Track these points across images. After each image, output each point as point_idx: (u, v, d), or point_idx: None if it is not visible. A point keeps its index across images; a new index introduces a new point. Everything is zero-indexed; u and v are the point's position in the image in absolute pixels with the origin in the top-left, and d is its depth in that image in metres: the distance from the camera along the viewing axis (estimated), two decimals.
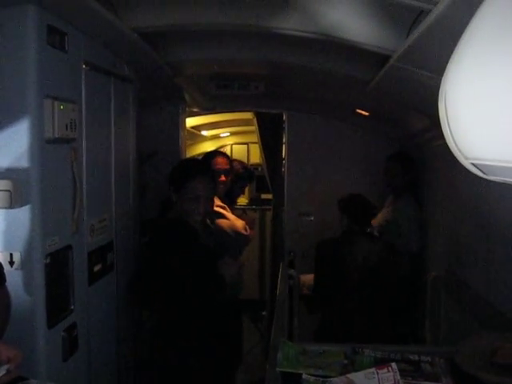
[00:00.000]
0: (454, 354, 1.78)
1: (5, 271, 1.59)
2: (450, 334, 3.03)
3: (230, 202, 3.60)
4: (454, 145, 0.84)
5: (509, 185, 0.89)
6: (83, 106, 2.04)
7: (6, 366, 1.39)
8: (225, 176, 3.36)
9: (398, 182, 3.81)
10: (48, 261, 1.77)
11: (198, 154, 6.08)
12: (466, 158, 0.83)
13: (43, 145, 1.73)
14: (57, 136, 1.76)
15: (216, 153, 3.78)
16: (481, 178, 0.89)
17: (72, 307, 1.96)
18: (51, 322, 1.79)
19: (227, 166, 3.42)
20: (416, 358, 1.84)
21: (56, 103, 1.74)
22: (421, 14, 1.68)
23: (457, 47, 0.82)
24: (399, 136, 4.23)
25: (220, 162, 3.38)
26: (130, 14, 2.08)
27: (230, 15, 2.24)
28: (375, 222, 3.90)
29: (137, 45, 2.30)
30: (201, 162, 2.68)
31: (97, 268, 2.22)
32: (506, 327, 2.08)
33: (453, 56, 0.82)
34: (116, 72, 2.43)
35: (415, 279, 3.72)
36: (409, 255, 3.66)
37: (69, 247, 1.92)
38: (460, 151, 0.83)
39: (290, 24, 2.24)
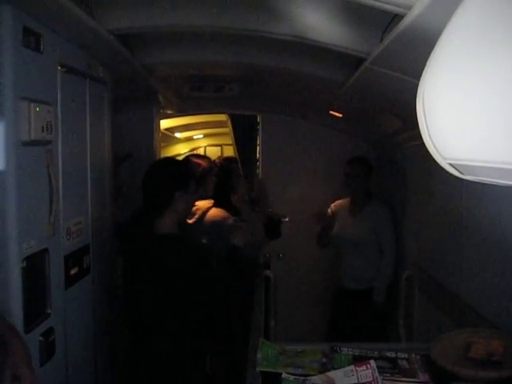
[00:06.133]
0: (430, 350, 1.82)
1: None
2: (423, 331, 3.09)
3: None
4: (431, 145, 0.86)
5: (482, 184, 0.92)
6: (59, 108, 2.02)
7: None
8: None
9: (362, 185, 3.81)
10: (24, 264, 1.73)
11: (173, 156, 6.04)
12: (444, 158, 0.85)
13: (19, 147, 1.70)
14: (33, 138, 1.73)
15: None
16: (454, 177, 0.92)
17: (49, 311, 1.93)
18: (28, 327, 1.76)
19: None
20: (393, 355, 1.88)
21: (32, 105, 1.71)
22: (395, 17, 1.71)
23: (434, 49, 0.84)
24: (373, 137, 4.29)
25: None
26: (107, 15, 2.07)
27: (205, 17, 2.24)
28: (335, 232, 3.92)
29: (113, 47, 2.29)
30: None
31: (73, 271, 2.19)
32: (478, 323, 2.13)
33: (430, 58, 0.85)
34: (91, 74, 2.41)
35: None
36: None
37: (45, 251, 1.90)
38: (438, 151, 0.86)
39: (265, 26, 2.26)
